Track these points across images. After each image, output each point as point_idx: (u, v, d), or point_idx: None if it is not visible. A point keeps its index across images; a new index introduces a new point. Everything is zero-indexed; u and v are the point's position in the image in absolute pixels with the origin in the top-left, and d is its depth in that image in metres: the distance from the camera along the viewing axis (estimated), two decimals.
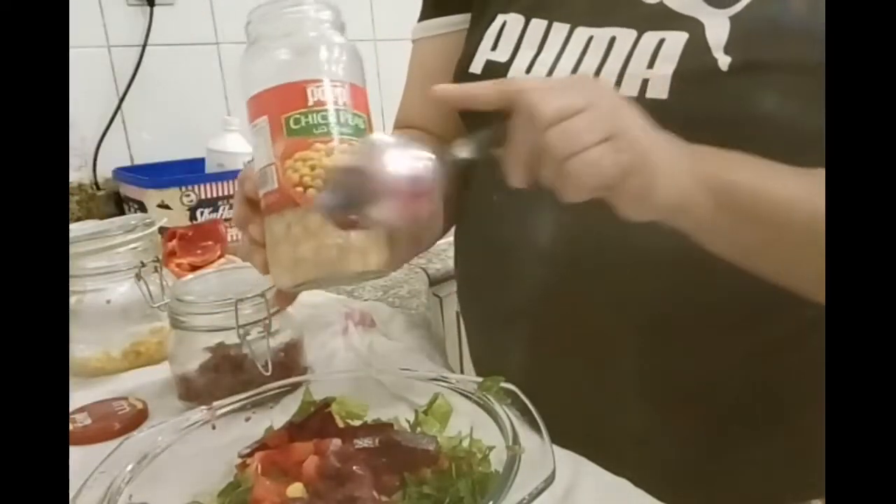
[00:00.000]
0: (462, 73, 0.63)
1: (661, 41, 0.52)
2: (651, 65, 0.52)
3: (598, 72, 0.55)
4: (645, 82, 0.52)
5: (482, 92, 0.45)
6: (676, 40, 0.51)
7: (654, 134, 0.45)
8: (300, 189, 0.46)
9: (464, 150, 0.45)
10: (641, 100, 0.51)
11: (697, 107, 0.51)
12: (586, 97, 0.43)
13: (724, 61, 0.49)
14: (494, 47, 0.61)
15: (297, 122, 0.46)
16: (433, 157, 0.44)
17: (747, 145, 0.49)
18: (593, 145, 0.42)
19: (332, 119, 0.47)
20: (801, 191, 0.47)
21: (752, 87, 0.49)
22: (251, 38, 0.50)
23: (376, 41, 1.67)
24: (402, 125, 0.74)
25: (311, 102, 0.46)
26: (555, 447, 0.41)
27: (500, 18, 0.62)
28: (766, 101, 0.49)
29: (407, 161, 0.43)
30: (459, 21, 0.68)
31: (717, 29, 0.50)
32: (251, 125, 0.49)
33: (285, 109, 0.47)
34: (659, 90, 0.51)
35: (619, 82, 0.53)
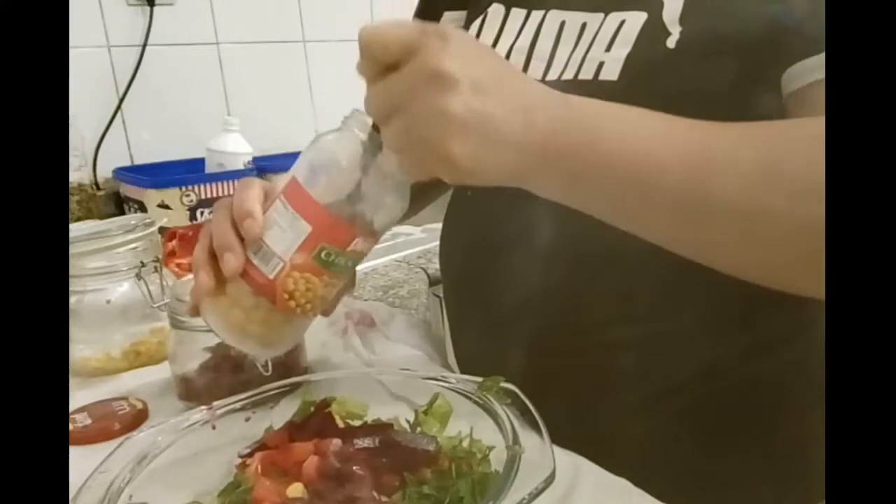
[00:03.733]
0: None
1: (622, 22, 0.53)
2: (609, 48, 0.53)
3: (568, 60, 0.56)
4: (601, 65, 0.53)
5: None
6: (636, 21, 0.53)
7: (484, 97, 0.40)
8: (286, 296, 0.48)
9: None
10: (595, 82, 0.53)
11: (642, 88, 0.51)
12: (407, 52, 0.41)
13: (673, 38, 0.50)
14: (478, 36, 0.63)
15: (328, 255, 0.48)
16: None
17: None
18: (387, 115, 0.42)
19: (351, 265, 0.50)
20: (663, 148, 0.42)
21: (696, 66, 0.50)
22: (349, 128, 0.49)
23: None
24: None
25: (349, 249, 0.49)
26: (555, 447, 0.41)
27: (490, 9, 0.63)
28: (710, 79, 0.50)
29: None
30: (457, 18, 0.69)
31: (674, 3, 0.51)
32: (285, 197, 0.48)
33: (328, 240, 0.48)
34: (611, 72, 0.53)
35: (580, 67, 0.55)
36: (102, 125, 1.32)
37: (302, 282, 0.48)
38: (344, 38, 1.63)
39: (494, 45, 0.61)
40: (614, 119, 0.43)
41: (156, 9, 1.34)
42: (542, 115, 0.41)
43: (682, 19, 0.50)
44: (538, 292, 0.59)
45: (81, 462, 0.41)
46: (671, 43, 0.50)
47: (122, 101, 1.33)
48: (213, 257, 0.49)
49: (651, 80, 0.51)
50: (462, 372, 0.71)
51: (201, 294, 0.49)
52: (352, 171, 0.48)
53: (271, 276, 0.48)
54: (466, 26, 0.66)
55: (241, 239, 0.49)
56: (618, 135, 0.42)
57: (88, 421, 0.59)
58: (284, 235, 0.48)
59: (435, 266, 1.11)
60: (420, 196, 0.78)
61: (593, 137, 0.42)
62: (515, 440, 0.42)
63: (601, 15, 0.55)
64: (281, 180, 0.51)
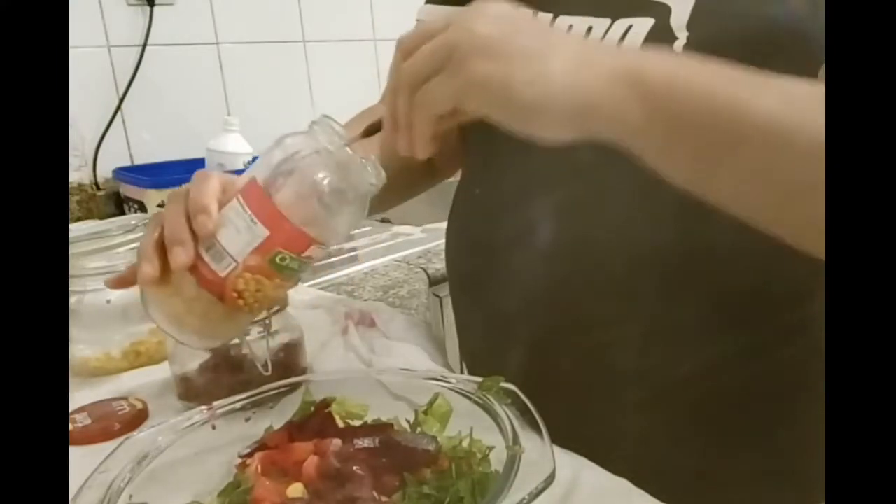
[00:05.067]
0: None
1: (629, 28, 0.53)
2: None
3: None
4: None
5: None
6: (643, 27, 0.52)
7: (544, 36, 0.43)
8: (235, 295, 0.48)
9: None
10: None
11: None
12: (446, 27, 0.43)
13: (680, 43, 0.50)
14: None
15: (282, 259, 0.48)
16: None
17: None
18: (428, 78, 0.43)
19: (303, 269, 0.50)
20: (755, 96, 0.40)
21: None
22: (316, 134, 0.49)
23: (376, 41, 1.68)
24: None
25: (305, 254, 0.49)
26: (555, 447, 0.41)
27: None
28: None
29: None
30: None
31: (682, 9, 0.51)
32: (243, 198, 0.48)
33: (284, 245, 0.48)
34: None
35: None
36: (102, 125, 1.32)
37: (253, 283, 0.48)
38: (344, 38, 1.63)
39: None
40: (687, 63, 0.42)
41: (156, 9, 1.34)
42: (601, 47, 0.43)
43: (690, 24, 0.50)
44: (540, 291, 0.59)
45: (81, 462, 0.41)
46: (678, 47, 0.50)
47: (122, 101, 1.33)
48: (161, 248, 0.48)
49: None
50: (468, 370, 0.71)
51: (142, 283, 0.48)
52: (314, 179, 0.48)
53: (222, 275, 0.48)
54: None
55: (193, 233, 0.48)
56: (696, 71, 0.41)
57: (88, 421, 0.59)
58: (239, 236, 0.47)
59: (435, 266, 1.11)
60: (404, 188, 0.77)
61: (667, 62, 0.42)
62: (515, 440, 0.42)
63: (608, 20, 0.55)
64: (240, 178, 0.50)
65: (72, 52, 1.15)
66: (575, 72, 0.41)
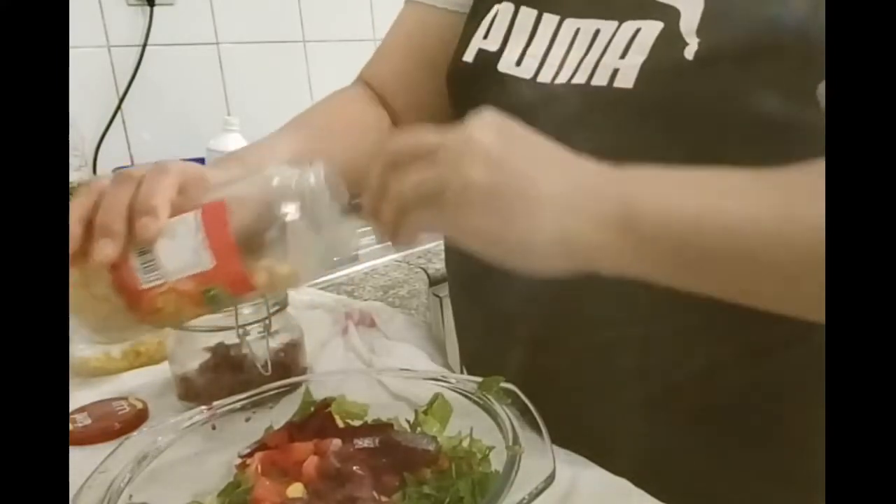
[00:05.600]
0: (456, 61, 0.64)
1: (638, 30, 0.53)
2: (624, 55, 0.53)
3: (579, 65, 0.56)
4: (615, 72, 0.53)
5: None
6: (651, 30, 0.52)
7: (534, 177, 0.40)
8: (154, 311, 0.44)
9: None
10: (609, 89, 0.53)
11: (658, 97, 0.51)
12: (442, 141, 0.41)
13: (691, 49, 0.50)
14: (486, 36, 0.62)
15: (217, 295, 0.44)
16: None
17: (708, 133, 0.50)
18: (416, 205, 0.41)
19: (233, 304, 0.48)
20: (750, 213, 0.40)
21: (714, 78, 0.49)
22: (307, 175, 0.45)
23: (376, 41, 1.67)
24: (366, 78, 0.77)
25: (242, 296, 0.45)
26: (555, 447, 0.41)
27: (495, 8, 0.63)
28: (730, 90, 0.49)
29: None
30: (460, 2, 0.69)
31: (691, 14, 0.51)
32: (202, 216, 0.43)
33: (226, 283, 0.43)
34: (626, 80, 0.52)
35: (593, 73, 0.54)
36: (102, 125, 1.32)
37: (174, 305, 0.44)
38: (344, 38, 1.63)
39: (503, 45, 0.61)
40: (674, 178, 0.42)
41: (156, 9, 1.34)
42: (594, 177, 0.41)
43: (700, 30, 0.50)
44: (540, 291, 0.59)
45: (81, 462, 0.41)
46: (689, 54, 0.49)
47: (122, 101, 1.33)
48: (87, 228, 0.43)
49: (668, 89, 0.51)
50: (467, 370, 0.71)
51: None
52: (279, 213, 0.43)
53: (143, 287, 0.43)
54: (471, 21, 0.65)
55: (130, 229, 0.43)
56: (687, 197, 0.41)
57: (88, 421, 0.59)
58: (181, 256, 0.43)
59: (435, 266, 1.11)
60: None
61: (656, 190, 0.41)
62: (515, 440, 0.42)
63: (615, 23, 0.54)
64: (210, 191, 0.46)
65: (72, 52, 1.15)
66: (565, 222, 0.40)
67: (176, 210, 0.44)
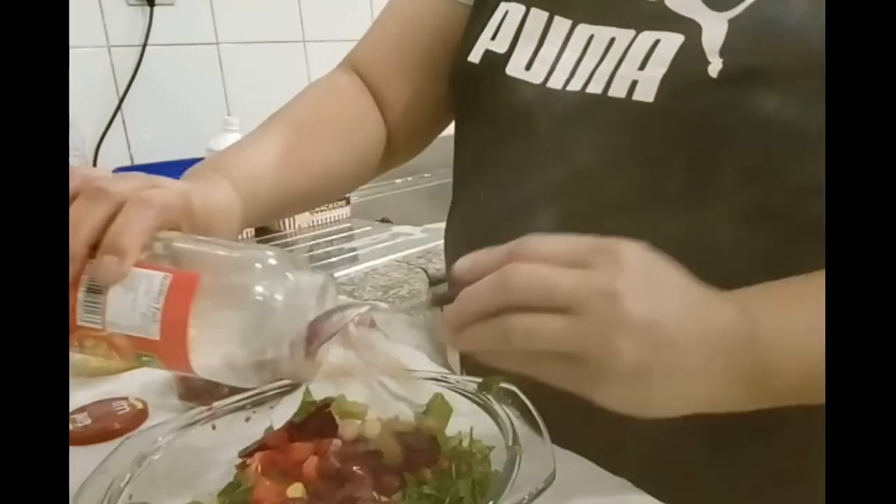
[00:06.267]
0: (461, 62, 0.63)
1: (657, 42, 0.51)
2: (643, 66, 0.51)
3: (593, 73, 0.55)
4: (634, 84, 0.52)
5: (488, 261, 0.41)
6: (671, 42, 0.51)
7: (684, 328, 0.38)
8: (76, 345, 0.41)
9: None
10: (628, 101, 0.51)
11: (681, 112, 0.50)
12: (581, 294, 0.37)
13: (715, 67, 0.48)
14: (494, 37, 0.61)
15: (149, 362, 0.41)
16: None
17: (732, 150, 0.49)
18: (548, 359, 0.38)
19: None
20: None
21: (740, 96, 0.48)
22: (272, 267, 0.41)
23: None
24: (355, 65, 0.74)
25: (176, 371, 0.43)
26: (555, 447, 0.41)
27: (502, 7, 0.61)
28: (754, 108, 0.48)
29: None
30: None
31: (714, 32, 0.49)
32: (168, 284, 0.39)
33: (163, 359, 0.40)
34: (646, 93, 0.51)
35: (609, 83, 0.53)
36: (102, 125, 1.32)
37: (103, 352, 0.41)
38: (344, 38, 1.63)
39: (512, 47, 0.59)
40: (802, 315, 0.42)
41: (156, 9, 1.34)
42: (729, 334, 0.40)
43: (723, 50, 0.48)
44: None
45: (81, 462, 0.41)
46: (713, 72, 0.48)
47: (122, 101, 1.33)
48: None
49: (690, 105, 0.50)
50: (467, 370, 0.71)
51: None
52: (253, 299, 0.39)
53: (79, 324, 0.40)
54: (476, 19, 0.64)
55: (89, 252, 0.40)
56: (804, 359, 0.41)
57: (88, 421, 0.59)
58: (129, 314, 0.39)
59: (435, 266, 1.11)
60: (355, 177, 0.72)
61: (788, 343, 0.41)
62: (515, 440, 0.42)
63: (632, 32, 0.53)
64: (190, 258, 0.41)
65: (72, 52, 1.15)
66: (704, 391, 0.40)
67: (147, 245, 0.41)
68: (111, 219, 0.41)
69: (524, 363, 0.39)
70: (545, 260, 0.38)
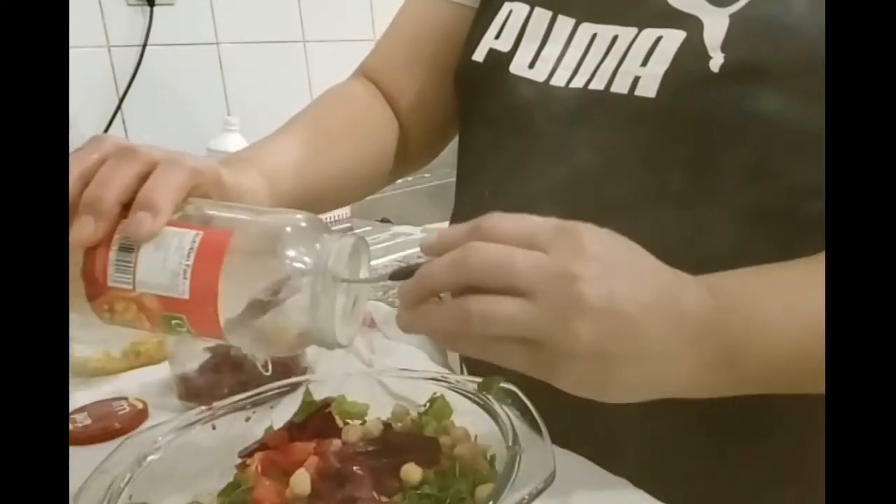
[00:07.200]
0: (465, 61, 0.63)
1: (659, 39, 0.52)
2: (645, 62, 0.52)
3: (595, 70, 0.55)
4: (636, 80, 0.52)
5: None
6: (673, 39, 0.51)
7: (647, 312, 0.37)
8: (105, 307, 0.41)
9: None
10: (630, 97, 0.52)
11: (683, 108, 0.50)
12: (539, 276, 0.36)
13: (717, 62, 0.49)
14: (498, 36, 0.61)
15: (179, 326, 0.40)
16: None
17: (734, 147, 0.49)
18: (506, 343, 0.37)
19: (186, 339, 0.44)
20: (813, 323, 0.39)
21: (741, 92, 0.49)
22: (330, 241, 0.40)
23: (376, 41, 1.67)
24: (368, 73, 0.74)
25: (204, 337, 0.42)
26: (555, 447, 0.41)
27: (507, 6, 0.62)
28: (756, 105, 0.49)
29: None
30: None
31: (716, 27, 0.50)
32: (199, 242, 0.39)
33: (194, 321, 0.40)
34: (648, 89, 0.51)
35: (612, 79, 0.53)
36: (102, 125, 1.32)
37: (132, 315, 0.40)
38: (344, 38, 1.63)
39: (516, 46, 0.60)
40: (774, 298, 0.42)
41: (156, 9, 1.34)
42: (696, 317, 0.39)
43: (725, 45, 0.49)
44: None
45: (81, 462, 0.41)
46: (715, 67, 0.48)
47: (122, 101, 1.33)
48: (75, 191, 0.40)
49: (693, 100, 0.50)
50: (467, 370, 0.71)
51: None
52: (291, 306, 0.38)
53: (109, 284, 0.40)
54: (480, 19, 0.65)
55: (121, 212, 0.39)
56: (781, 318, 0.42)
57: (88, 421, 0.59)
58: (159, 273, 0.39)
59: None
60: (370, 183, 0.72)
61: (758, 323, 0.41)
62: (515, 440, 0.42)
63: (634, 29, 0.53)
64: (221, 221, 0.41)
65: (72, 52, 1.15)
66: (670, 373, 0.40)
67: (178, 208, 0.41)
68: (144, 178, 0.41)
69: (482, 347, 0.38)
70: (505, 239, 0.37)
